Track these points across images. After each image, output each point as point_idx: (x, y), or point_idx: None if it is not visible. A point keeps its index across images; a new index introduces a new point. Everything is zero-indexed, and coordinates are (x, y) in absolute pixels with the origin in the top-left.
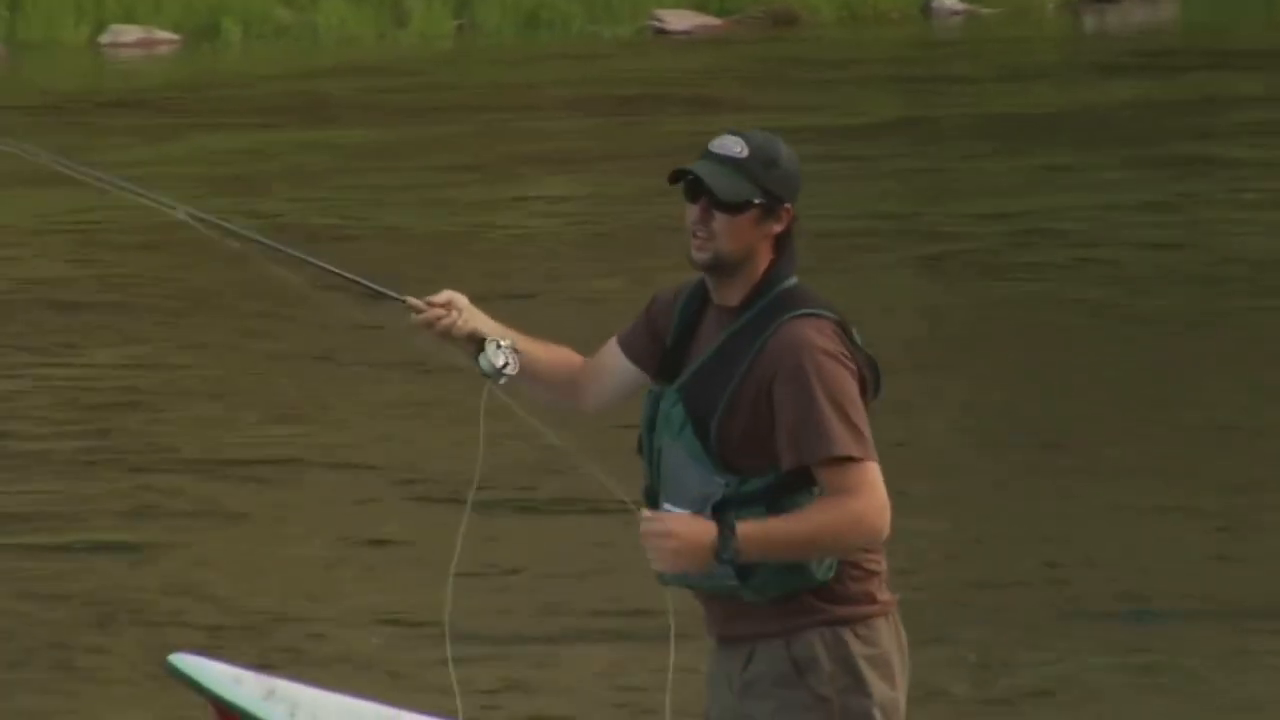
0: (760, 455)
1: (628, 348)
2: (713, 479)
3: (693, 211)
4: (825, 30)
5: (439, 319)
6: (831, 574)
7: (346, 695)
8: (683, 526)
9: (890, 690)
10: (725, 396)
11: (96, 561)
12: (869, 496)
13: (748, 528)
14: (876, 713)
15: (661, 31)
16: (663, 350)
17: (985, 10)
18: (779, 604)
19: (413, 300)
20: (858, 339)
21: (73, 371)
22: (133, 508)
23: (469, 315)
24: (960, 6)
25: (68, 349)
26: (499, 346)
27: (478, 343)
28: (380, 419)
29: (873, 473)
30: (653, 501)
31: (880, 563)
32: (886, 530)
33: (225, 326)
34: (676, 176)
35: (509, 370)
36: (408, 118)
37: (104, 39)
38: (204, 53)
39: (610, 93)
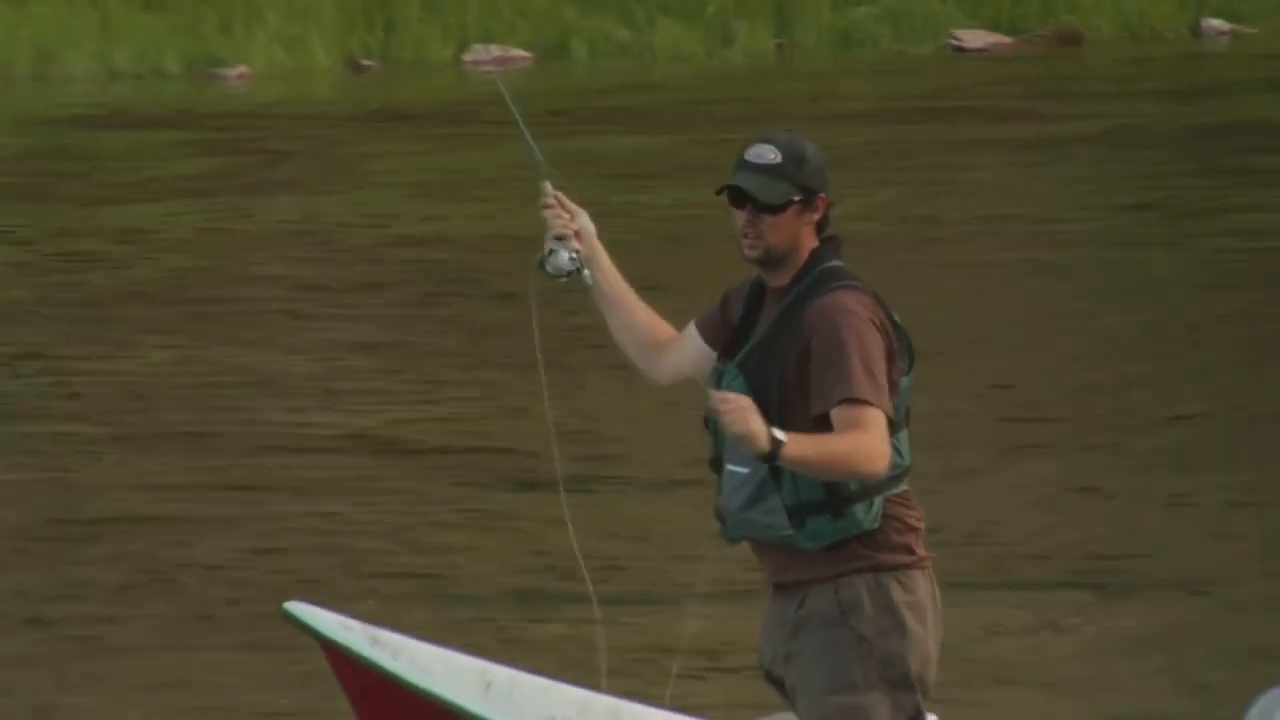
0: (809, 413)
1: (702, 328)
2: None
3: (740, 217)
4: (1106, 49)
5: (547, 205)
6: (876, 524)
7: (443, 647)
8: (742, 399)
9: (924, 637)
10: (779, 368)
11: (211, 531)
12: (871, 435)
13: (793, 434)
14: (910, 656)
15: (959, 49)
16: (730, 332)
17: (1248, 30)
18: (830, 550)
19: (548, 187)
20: (895, 317)
21: (189, 361)
22: (245, 483)
23: (585, 235)
24: (1226, 26)
25: (190, 339)
26: (573, 253)
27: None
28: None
29: (880, 418)
30: (717, 469)
31: (921, 520)
32: (880, 474)
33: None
34: (725, 190)
35: (553, 260)
36: (717, 127)
37: (466, 56)
38: (554, 69)
39: (910, 105)
